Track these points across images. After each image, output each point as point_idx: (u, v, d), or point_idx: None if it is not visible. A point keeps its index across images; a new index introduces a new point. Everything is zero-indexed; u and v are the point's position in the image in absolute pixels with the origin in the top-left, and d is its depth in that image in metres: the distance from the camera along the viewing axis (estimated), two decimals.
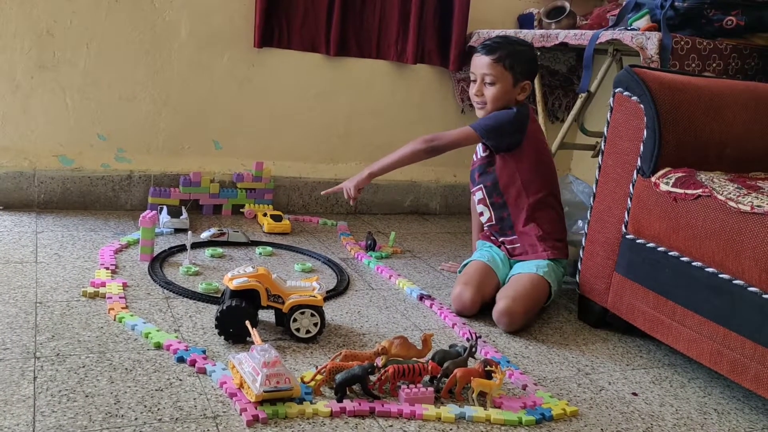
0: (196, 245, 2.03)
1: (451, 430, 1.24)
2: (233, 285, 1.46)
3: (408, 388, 1.29)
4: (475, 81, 1.90)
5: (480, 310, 1.76)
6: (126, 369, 1.30)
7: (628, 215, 1.65)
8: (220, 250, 2.03)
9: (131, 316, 1.52)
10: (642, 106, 1.60)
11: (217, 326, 1.45)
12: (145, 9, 2.30)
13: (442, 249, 2.35)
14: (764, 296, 1.31)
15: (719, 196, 1.41)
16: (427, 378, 1.35)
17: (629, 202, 1.64)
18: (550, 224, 1.88)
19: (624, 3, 2.18)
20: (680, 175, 1.52)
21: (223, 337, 1.45)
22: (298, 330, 1.49)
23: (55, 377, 1.24)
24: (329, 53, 2.53)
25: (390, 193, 2.75)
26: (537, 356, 1.58)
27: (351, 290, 1.87)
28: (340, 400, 1.26)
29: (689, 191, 1.47)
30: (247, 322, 1.39)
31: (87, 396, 1.19)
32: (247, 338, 1.43)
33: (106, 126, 2.34)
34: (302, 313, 1.49)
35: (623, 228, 1.66)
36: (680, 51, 1.87)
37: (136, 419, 1.15)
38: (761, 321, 1.32)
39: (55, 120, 2.28)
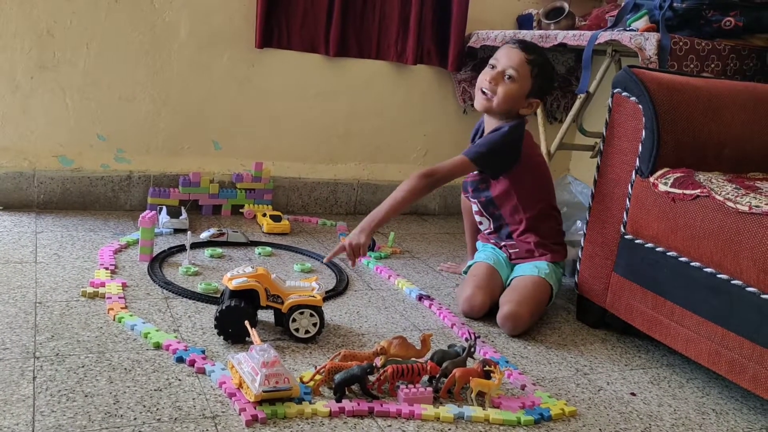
0: (195, 245, 2.03)
1: (449, 429, 1.24)
2: (232, 285, 1.47)
3: (407, 388, 1.29)
4: (493, 68, 1.82)
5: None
6: (125, 369, 1.30)
7: (626, 215, 1.65)
8: (219, 250, 2.03)
9: (130, 316, 1.52)
10: (640, 106, 1.60)
11: (216, 326, 1.45)
12: (145, 9, 2.30)
13: (441, 249, 2.36)
14: (762, 296, 1.32)
15: (717, 197, 1.41)
16: (426, 378, 1.36)
17: (628, 202, 1.65)
18: (549, 231, 1.89)
19: (623, 4, 2.18)
20: (679, 175, 1.52)
21: (222, 337, 1.45)
22: (297, 330, 1.50)
23: (55, 377, 1.24)
24: (329, 54, 2.53)
25: (389, 194, 2.74)
26: (536, 356, 1.58)
27: (350, 290, 1.87)
28: (339, 400, 1.26)
29: (688, 191, 1.47)
30: (247, 322, 1.39)
31: (86, 396, 1.20)
32: (246, 338, 1.43)
33: (105, 126, 2.34)
34: (301, 313, 1.49)
35: (622, 228, 1.66)
36: (679, 52, 1.87)
37: (135, 419, 1.15)
38: (759, 321, 1.32)
39: (54, 120, 2.28)
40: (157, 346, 1.40)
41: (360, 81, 2.65)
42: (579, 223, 2.15)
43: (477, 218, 1.98)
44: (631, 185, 1.64)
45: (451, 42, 2.65)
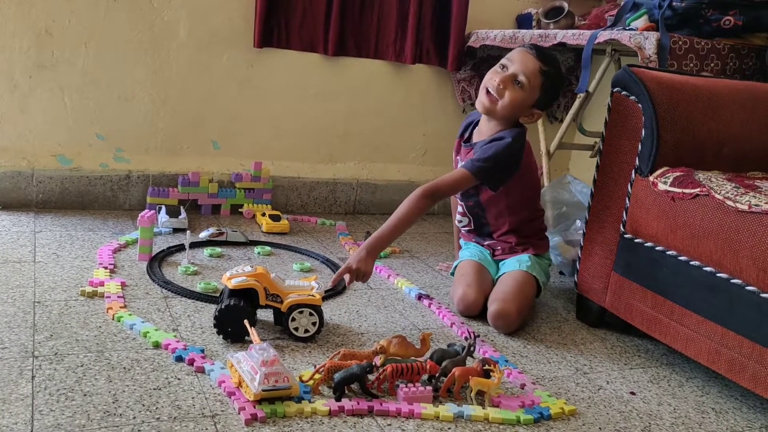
0: (194, 245, 2.03)
1: (449, 429, 1.24)
2: (232, 284, 1.46)
3: (406, 387, 1.29)
4: (503, 69, 1.76)
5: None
6: (124, 368, 1.30)
7: (626, 215, 1.65)
8: (218, 249, 2.03)
9: (129, 315, 1.52)
10: (640, 105, 1.60)
11: (215, 325, 1.45)
12: (144, 9, 2.30)
13: (440, 249, 2.36)
14: (762, 295, 1.32)
15: (717, 196, 1.41)
16: (425, 377, 1.35)
17: (627, 201, 1.65)
18: (530, 230, 1.90)
19: (622, 3, 2.18)
20: (678, 174, 1.52)
21: (221, 336, 1.45)
22: (296, 329, 1.49)
23: (54, 376, 1.24)
24: (328, 53, 2.53)
25: (388, 193, 2.75)
26: (535, 355, 1.58)
27: (349, 290, 1.87)
28: (338, 399, 1.26)
29: (687, 190, 1.47)
30: (246, 321, 1.39)
31: (85, 395, 1.19)
32: (246, 337, 1.43)
33: (104, 126, 2.34)
34: (301, 312, 1.49)
35: (621, 227, 1.66)
36: (678, 51, 1.87)
37: (134, 418, 1.15)
38: (759, 320, 1.32)
39: (53, 120, 2.28)
40: (156, 345, 1.40)
41: (359, 81, 2.64)
42: (579, 223, 2.14)
43: (458, 216, 1.98)
44: (631, 184, 1.64)
45: (451, 41, 2.65)
